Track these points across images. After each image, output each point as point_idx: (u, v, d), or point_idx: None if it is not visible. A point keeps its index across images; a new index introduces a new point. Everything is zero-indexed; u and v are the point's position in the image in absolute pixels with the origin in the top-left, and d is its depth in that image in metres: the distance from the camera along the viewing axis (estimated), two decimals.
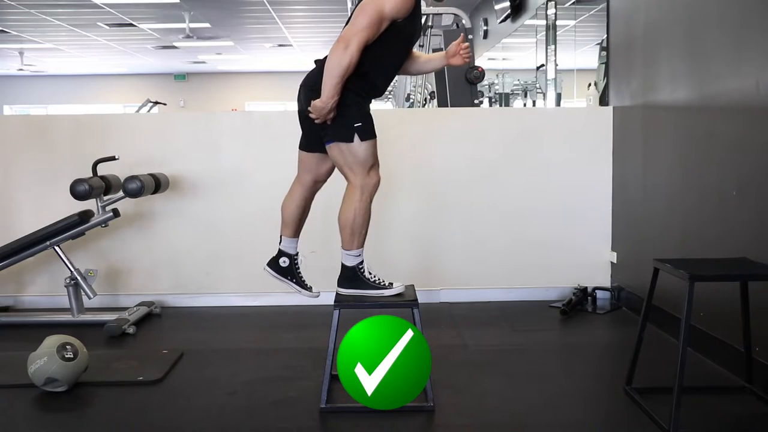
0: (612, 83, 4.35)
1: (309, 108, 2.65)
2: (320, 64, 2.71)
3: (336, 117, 2.65)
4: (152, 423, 2.61)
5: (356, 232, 2.71)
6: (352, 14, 2.65)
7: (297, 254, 2.95)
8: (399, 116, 4.88)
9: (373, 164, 2.72)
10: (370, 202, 2.73)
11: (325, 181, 2.95)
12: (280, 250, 2.94)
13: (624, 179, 4.20)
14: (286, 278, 2.93)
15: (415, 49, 2.97)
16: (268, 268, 2.95)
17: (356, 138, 2.65)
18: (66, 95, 17.69)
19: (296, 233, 2.94)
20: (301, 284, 2.95)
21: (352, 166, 2.69)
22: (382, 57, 2.69)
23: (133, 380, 2.98)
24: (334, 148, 2.70)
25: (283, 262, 2.92)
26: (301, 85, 2.79)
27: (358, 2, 2.64)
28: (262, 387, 2.92)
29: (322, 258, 4.24)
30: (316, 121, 2.67)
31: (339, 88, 2.57)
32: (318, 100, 2.60)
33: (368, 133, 2.68)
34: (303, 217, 2.95)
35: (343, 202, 2.73)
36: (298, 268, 2.95)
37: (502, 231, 4.38)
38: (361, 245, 2.75)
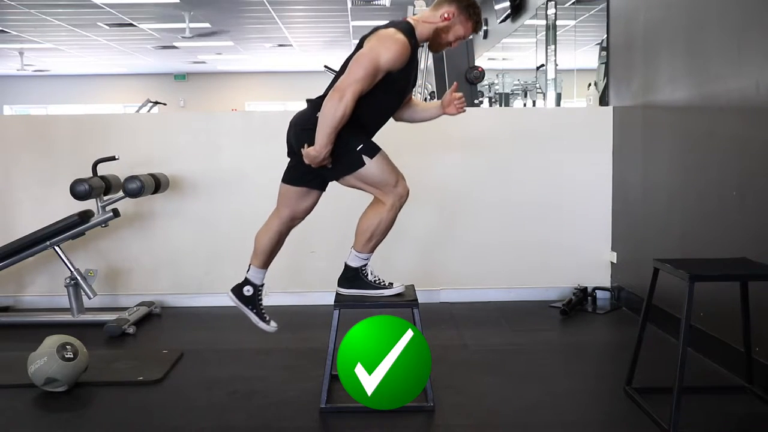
0: (612, 83, 4.35)
1: (302, 152, 2.62)
2: (311, 103, 2.70)
3: (337, 155, 2.62)
4: (152, 423, 2.61)
5: (375, 238, 2.70)
6: (347, 62, 2.64)
7: (262, 286, 2.93)
8: None
9: (397, 176, 2.69)
10: (397, 213, 2.71)
11: (302, 219, 2.92)
12: (246, 279, 2.92)
13: (624, 179, 4.20)
14: (247, 307, 2.90)
15: (416, 97, 2.96)
16: (231, 294, 2.92)
17: (365, 159, 2.63)
18: (66, 95, 17.68)
19: (266, 265, 2.93)
20: (261, 316, 2.91)
21: (378, 187, 2.67)
22: (376, 104, 2.68)
23: (133, 380, 2.98)
24: (352, 180, 2.68)
25: (247, 291, 2.90)
26: (291, 123, 2.76)
27: (355, 51, 2.63)
28: (262, 387, 2.92)
29: (321, 258, 4.25)
30: (312, 166, 2.65)
31: (333, 137, 2.56)
32: (311, 148, 2.58)
33: (373, 149, 2.67)
34: (275, 251, 2.93)
35: (370, 208, 2.72)
36: (261, 299, 2.93)
37: (502, 231, 4.38)
38: (372, 251, 2.75)
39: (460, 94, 2.87)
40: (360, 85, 2.54)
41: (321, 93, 2.70)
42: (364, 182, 2.68)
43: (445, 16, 2.68)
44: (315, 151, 2.57)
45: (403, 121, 3.00)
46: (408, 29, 2.63)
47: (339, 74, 2.65)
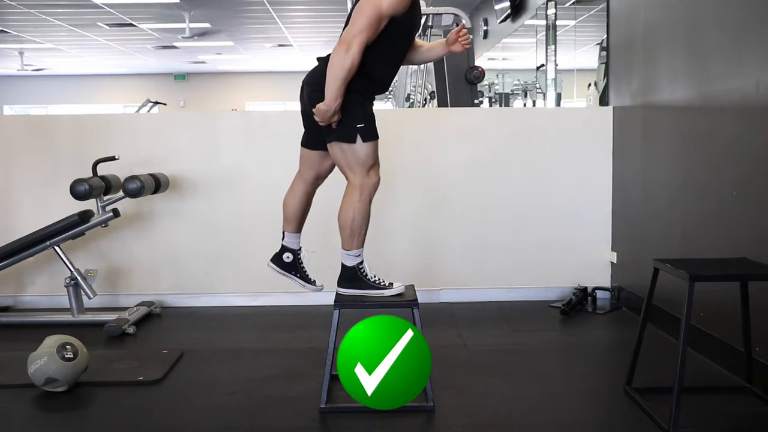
0: (612, 83, 4.35)
1: (313, 110, 2.65)
2: (322, 61, 2.70)
3: (340, 118, 2.64)
4: (152, 423, 2.61)
5: (356, 232, 2.71)
6: (350, 15, 2.65)
7: (300, 249, 2.96)
8: (399, 116, 4.88)
9: (373, 164, 2.73)
10: (370, 202, 2.73)
11: (326, 177, 2.95)
12: (283, 246, 2.95)
13: (624, 179, 4.20)
14: (290, 273, 2.94)
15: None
16: (272, 264, 2.95)
17: (358, 139, 2.66)
18: (66, 95, 17.69)
19: (298, 229, 2.95)
20: (306, 278, 2.95)
21: (352, 166, 2.70)
22: (384, 53, 2.69)
23: (133, 380, 2.98)
24: (336, 147, 2.71)
25: (287, 257, 2.93)
26: (303, 83, 2.79)
27: (356, 2, 2.64)
28: (262, 387, 2.92)
29: (321, 258, 4.25)
30: (320, 124, 2.67)
31: (342, 90, 2.57)
32: (322, 103, 2.60)
33: (371, 134, 2.69)
34: (305, 213, 2.96)
35: (343, 202, 2.73)
36: (302, 263, 2.95)
37: (502, 231, 4.38)
38: (361, 245, 2.75)
39: (465, 31, 2.88)
40: (365, 35, 2.55)
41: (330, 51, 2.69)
42: (343, 156, 2.69)
43: None
44: (325, 105, 2.58)
45: (410, 62, 3.00)
46: None
47: (345, 27, 2.65)
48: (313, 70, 2.76)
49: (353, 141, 2.66)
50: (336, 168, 2.86)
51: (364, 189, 2.70)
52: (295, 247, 2.94)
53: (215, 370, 3.15)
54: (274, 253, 2.96)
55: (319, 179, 2.94)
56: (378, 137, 2.73)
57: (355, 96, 2.64)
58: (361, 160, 2.68)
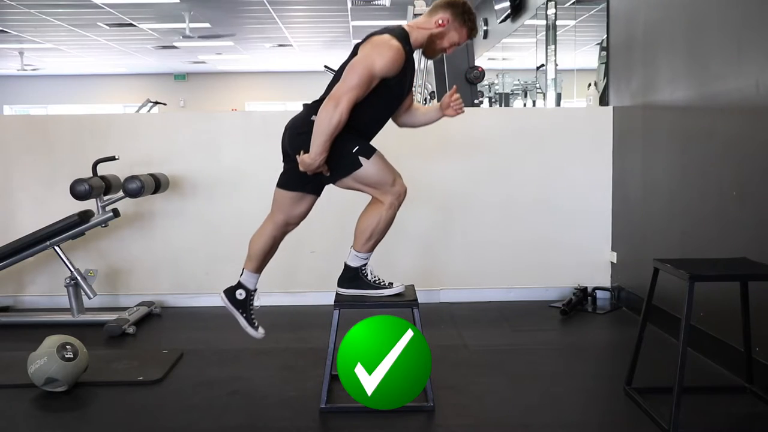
0: (612, 83, 4.35)
1: (297, 159, 2.62)
2: (307, 108, 2.71)
3: (334, 157, 2.61)
4: (152, 423, 2.61)
5: (374, 237, 2.70)
6: (342, 70, 2.64)
7: (255, 290, 2.94)
8: None
9: (394, 175, 2.69)
10: (396, 211, 2.71)
11: (297, 224, 2.92)
12: (239, 282, 2.92)
13: (624, 179, 4.20)
14: (238, 310, 2.91)
15: (416, 101, 2.96)
16: (223, 296, 2.93)
17: (361, 160, 2.63)
18: (66, 95, 17.67)
19: (259, 269, 2.93)
20: (250, 321, 2.92)
21: (376, 187, 2.68)
22: (372, 111, 2.69)
23: (133, 380, 2.98)
24: (350, 182, 2.68)
25: (240, 294, 2.91)
26: (286, 127, 2.77)
27: (349, 59, 2.64)
28: (262, 387, 2.92)
29: (321, 258, 4.25)
30: (307, 173, 2.65)
31: (328, 145, 2.56)
32: (306, 155, 2.58)
33: (369, 150, 2.67)
34: (269, 255, 2.94)
35: (370, 207, 2.72)
36: (252, 304, 2.93)
37: (502, 231, 4.38)
38: (372, 250, 2.75)
39: (457, 96, 2.87)
40: (355, 93, 2.55)
41: (317, 98, 2.70)
42: (361, 183, 2.68)
43: (440, 22, 2.68)
44: (310, 159, 2.58)
45: (406, 126, 3.00)
46: (402, 35, 2.63)
47: (334, 81, 2.65)
48: (297, 115, 2.75)
49: (359, 165, 2.63)
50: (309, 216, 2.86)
51: (394, 201, 2.69)
52: (251, 286, 2.92)
53: (215, 370, 3.15)
54: (230, 285, 2.94)
55: (288, 225, 2.90)
56: (376, 150, 2.70)
57: (339, 137, 2.61)
58: (379, 176, 2.66)
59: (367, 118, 2.68)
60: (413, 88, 2.94)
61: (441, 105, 2.91)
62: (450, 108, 2.89)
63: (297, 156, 2.63)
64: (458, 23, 2.69)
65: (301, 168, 2.62)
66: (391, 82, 2.62)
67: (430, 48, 2.74)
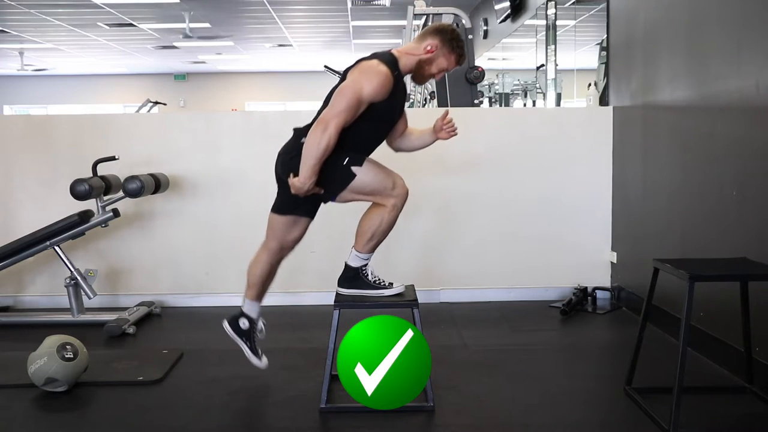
0: (612, 83, 4.35)
1: (289, 182, 2.63)
2: (296, 132, 2.72)
3: (326, 175, 2.62)
4: (152, 423, 2.61)
5: (376, 237, 2.71)
6: (331, 94, 2.65)
7: (258, 319, 2.95)
8: None
9: (393, 178, 2.69)
10: (399, 213, 2.71)
11: (291, 249, 2.93)
12: (241, 311, 2.92)
13: (624, 179, 4.20)
14: (242, 339, 2.91)
15: (411, 125, 2.97)
16: (227, 326, 2.93)
17: (354, 169, 2.64)
18: (66, 95, 17.67)
19: (260, 297, 2.94)
20: (254, 351, 2.92)
21: (376, 194, 2.68)
22: (361, 135, 2.69)
23: (133, 380, 2.98)
24: (348, 195, 2.69)
25: (243, 324, 2.90)
26: (278, 154, 2.77)
27: (339, 83, 2.65)
28: (262, 387, 2.92)
29: (321, 258, 4.25)
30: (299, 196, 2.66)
31: (317, 168, 2.57)
32: (296, 179, 2.60)
33: (359, 158, 2.67)
34: (269, 282, 2.95)
35: (372, 208, 2.73)
36: (255, 333, 2.93)
37: (502, 231, 4.38)
38: (373, 251, 2.76)
39: (449, 119, 2.88)
40: (343, 117, 2.56)
41: (308, 122, 2.71)
42: (360, 194, 2.69)
43: (429, 48, 2.69)
44: (300, 182, 2.59)
45: (401, 150, 3.00)
46: (391, 60, 2.65)
47: (323, 106, 2.67)
48: (288, 141, 2.76)
49: (353, 176, 2.64)
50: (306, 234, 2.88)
51: (397, 202, 2.69)
52: (254, 315, 2.92)
53: (215, 370, 3.15)
54: (232, 314, 2.93)
55: (283, 251, 2.90)
56: (367, 156, 2.71)
57: (329, 157, 2.61)
58: (376, 183, 2.66)
59: (357, 142, 2.69)
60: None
61: (434, 128, 2.92)
62: (443, 131, 2.90)
63: (288, 179, 2.64)
64: (447, 50, 2.71)
65: (292, 190, 2.64)
66: (379, 107, 2.64)
67: (418, 73, 2.76)
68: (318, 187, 2.63)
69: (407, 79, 2.83)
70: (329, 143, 2.55)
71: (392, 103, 2.69)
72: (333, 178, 2.65)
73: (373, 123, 2.70)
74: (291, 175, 2.62)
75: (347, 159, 2.64)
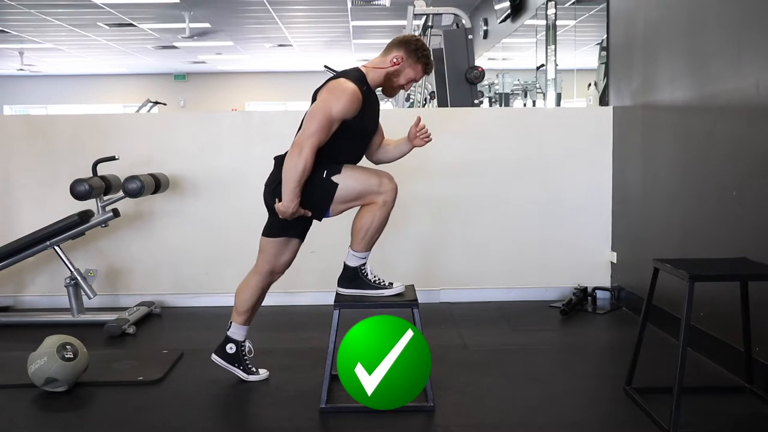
0: (612, 83, 4.35)
1: (275, 208, 2.67)
2: (278, 161, 2.75)
3: (311, 194, 2.65)
4: (152, 423, 2.61)
5: (370, 235, 2.73)
6: (304, 119, 2.69)
7: (245, 341, 2.96)
8: (399, 116, 4.88)
9: (378, 177, 2.71)
10: (391, 209, 2.73)
11: (282, 272, 2.95)
12: (227, 337, 2.94)
13: (624, 179, 4.20)
14: (233, 365, 2.93)
15: (387, 136, 2.99)
16: (216, 357, 2.95)
17: (335, 179, 2.67)
18: (66, 95, 17.68)
19: (248, 321, 2.95)
20: (248, 371, 2.94)
21: (364, 196, 2.71)
22: (338, 152, 2.72)
23: (133, 380, 2.98)
24: (339, 207, 2.72)
25: (230, 348, 2.93)
26: (265, 184, 2.80)
27: (311, 105, 2.69)
28: (262, 387, 2.92)
29: (321, 258, 4.25)
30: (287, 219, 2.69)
31: (298, 191, 2.61)
32: (280, 204, 2.64)
33: (337, 167, 2.69)
34: (257, 306, 2.97)
35: (363, 208, 2.74)
36: (245, 354, 2.95)
37: (502, 231, 4.38)
38: (370, 248, 2.77)
39: (422, 125, 2.89)
40: (316, 138, 2.60)
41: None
42: (349, 200, 2.72)
43: (394, 60, 2.73)
44: (284, 206, 2.63)
45: (381, 162, 3.02)
46: (358, 77, 2.69)
47: (299, 129, 2.70)
48: (272, 171, 2.79)
49: (335, 186, 2.67)
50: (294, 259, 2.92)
51: (387, 200, 2.71)
52: (240, 338, 2.93)
53: (215, 370, 3.14)
54: (218, 344, 2.95)
55: (274, 274, 2.93)
56: (346, 161, 2.73)
57: (309, 177, 2.65)
58: (360, 186, 2.69)
59: (338, 160, 2.72)
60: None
61: (408, 136, 2.93)
62: (417, 138, 2.91)
63: (274, 204, 2.68)
64: (412, 60, 2.74)
65: (280, 216, 2.67)
66: (351, 123, 2.67)
67: (387, 86, 2.78)
68: (305, 209, 2.67)
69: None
70: (306, 165, 2.59)
71: (364, 119, 2.72)
72: (318, 195, 2.68)
73: (349, 140, 2.74)
74: (276, 200, 2.66)
75: (325, 172, 2.68)
